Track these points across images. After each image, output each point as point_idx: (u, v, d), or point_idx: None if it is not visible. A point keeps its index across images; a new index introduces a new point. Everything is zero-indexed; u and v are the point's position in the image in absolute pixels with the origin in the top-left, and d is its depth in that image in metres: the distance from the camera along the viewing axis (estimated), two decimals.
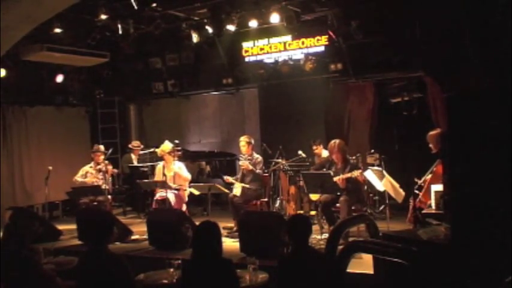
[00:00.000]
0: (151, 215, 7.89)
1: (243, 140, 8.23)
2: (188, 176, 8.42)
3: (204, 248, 3.94)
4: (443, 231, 4.31)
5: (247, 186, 8.01)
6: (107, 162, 9.20)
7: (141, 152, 10.84)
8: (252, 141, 8.33)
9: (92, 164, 9.15)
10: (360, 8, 8.66)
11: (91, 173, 9.05)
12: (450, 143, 4.01)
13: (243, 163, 8.17)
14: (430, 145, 6.43)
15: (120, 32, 8.66)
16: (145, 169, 10.30)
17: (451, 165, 4.00)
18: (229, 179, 8.29)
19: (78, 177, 8.98)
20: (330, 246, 4.71)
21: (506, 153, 3.58)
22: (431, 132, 6.53)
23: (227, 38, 9.64)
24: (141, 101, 12.65)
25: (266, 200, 8.24)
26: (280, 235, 6.19)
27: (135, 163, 10.72)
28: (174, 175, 8.31)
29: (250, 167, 8.05)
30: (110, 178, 9.25)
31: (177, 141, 8.45)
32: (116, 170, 9.60)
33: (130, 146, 11.04)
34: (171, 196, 8.05)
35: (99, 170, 9.03)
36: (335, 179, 7.14)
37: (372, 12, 8.68)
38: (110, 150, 9.56)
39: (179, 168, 8.39)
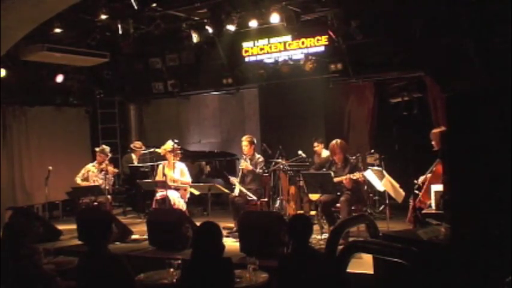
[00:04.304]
0: (151, 215, 7.89)
1: (245, 140, 8.21)
2: (189, 180, 8.43)
3: (204, 248, 3.94)
4: (443, 231, 4.31)
5: (244, 190, 7.97)
6: (107, 162, 9.19)
7: (142, 152, 10.83)
8: (255, 141, 8.32)
9: (94, 163, 9.16)
10: (360, 8, 8.65)
11: (93, 172, 9.06)
12: (450, 142, 4.01)
13: (243, 164, 8.16)
14: (433, 142, 6.43)
15: (120, 32, 8.66)
16: (146, 169, 10.30)
17: (451, 165, 4.00)
18: (234, 180, 8.27)
19: (79, 179, 8.99)
20: (330, 246, 4.71)
21: (506, 153, 3.58)
22: (435, 130, 6.54)
23: (227, 38, 9.64)
24: (141, 101, 12.64)
25: (266, 200, 8.23)
26: (280, 235, 6.20)
27: (136, 163, 10.71)
28: (174, 176, 8.32)
29: (250, 167, 8.04)
30: (112, 178, 9.24)
31: (176, 141, 8.44)
32: (116, 170, 9.57)
33: (132, 146, 11.01)
34: (172, 194, 8.05)
35: (101, 170, 9.04)
36: (339, 179, 7.15)
37: (371, 12, 8.68)
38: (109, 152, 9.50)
39: (181, 172, 8.40)
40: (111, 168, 9.14)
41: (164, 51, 10.79)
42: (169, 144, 8.40)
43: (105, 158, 9.11)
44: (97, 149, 9.34)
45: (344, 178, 7.14)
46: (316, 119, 10.40)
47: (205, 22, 8.83)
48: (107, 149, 9.29)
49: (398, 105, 9.50)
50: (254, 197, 7.91)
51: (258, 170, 8.06)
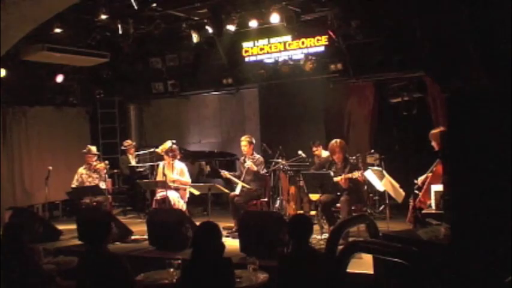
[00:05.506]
0: (151, 215, 7.89)
1: (245, 140, 8.20)
2: (188, 180, 8.42)
3: (204, 248, 3.93)
4: (443, 231, 4.31)
5: (247, 186, 7.98)
6: (95, 159, 9.14)
7: (141, 152, 10.82)
8: (253, 141, 8.32)
9: (85, 166, 9.12)
10: (359, 8, 8.66)
11: (86, 174, 9.02)
12: (450, 143, 4.01)
13: (249, 164, 8.09)
14: (433, 143, 6.42)
15: (120, 32, 8.67)
16: (142, 169, 10.28)
17: (451, 165, 4.00)
18: (225, 173, 8.29)
19: (74, 185, 8.93)
20: (330, 246, 4.70)
21: (507, 153, 3.58)
22: (434, 131, 6.51)
23: (227, 38, 9.64)
24: (141, 101, 12.65)
25: (266, 200, 8.23)
26: (280, 235, 6.20)
27: (133, 163, 10.69)
28: (174, 176, 8.32)
29: (255, 168, 8.02)
30: (105, 175, 9.17)
31: (173, 141, 8.43)
32: (105, 165, 9.26)
33: (122, 146, 10.99)
34: (172, 195, 8.05)
35: (94, 170, 9.02)
36: (336, 179, 7.15)
37: (371, 12, 8.68)
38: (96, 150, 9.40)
39: (181, 171, 8.39)
40: (100, 165, 9.07)
41: (164, 51, 10.80)
42: (167, 144, 8.39)
43: (93, 157, 9.08)
44: (84, 151, 9.18)
45: (340, 178, 7.14)
46: (316, 119, 10.40)
47: (205, 22, 8.84)
48: (93, 148, 9.25)
49: (398, 105, 9.50)
50: (250, 187, 7.92)
51: (261, 171, 8.07)
